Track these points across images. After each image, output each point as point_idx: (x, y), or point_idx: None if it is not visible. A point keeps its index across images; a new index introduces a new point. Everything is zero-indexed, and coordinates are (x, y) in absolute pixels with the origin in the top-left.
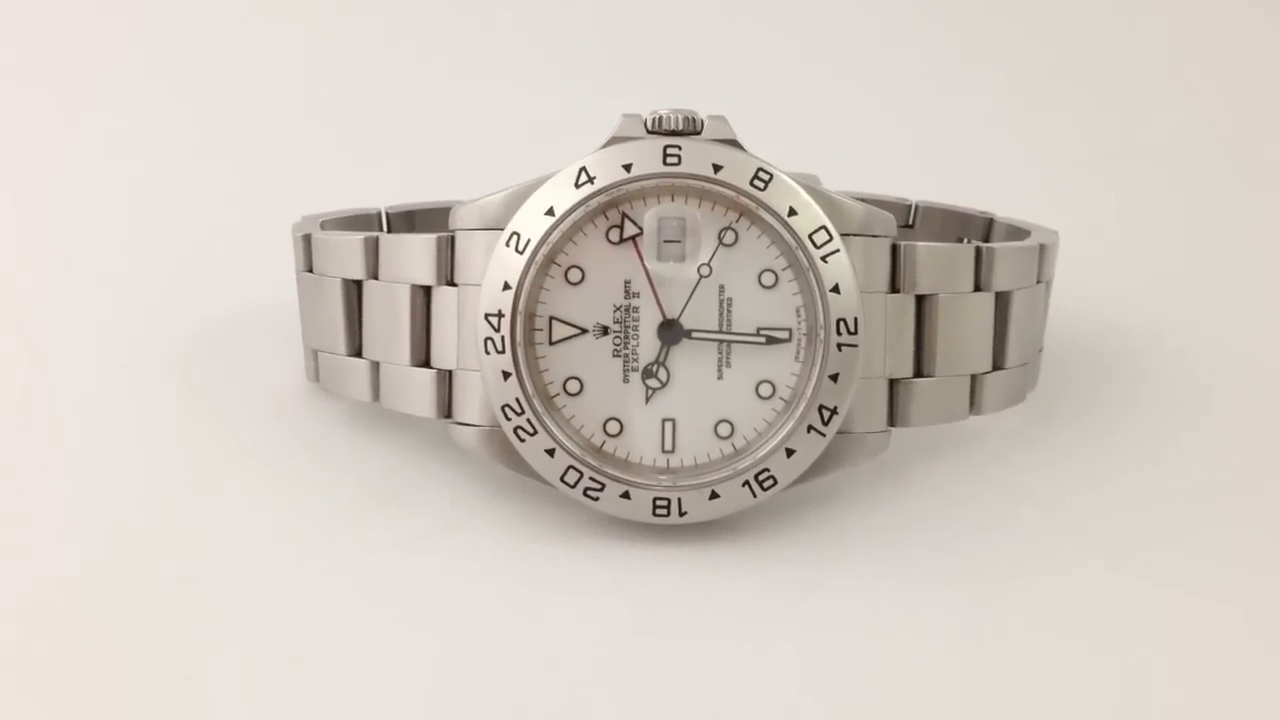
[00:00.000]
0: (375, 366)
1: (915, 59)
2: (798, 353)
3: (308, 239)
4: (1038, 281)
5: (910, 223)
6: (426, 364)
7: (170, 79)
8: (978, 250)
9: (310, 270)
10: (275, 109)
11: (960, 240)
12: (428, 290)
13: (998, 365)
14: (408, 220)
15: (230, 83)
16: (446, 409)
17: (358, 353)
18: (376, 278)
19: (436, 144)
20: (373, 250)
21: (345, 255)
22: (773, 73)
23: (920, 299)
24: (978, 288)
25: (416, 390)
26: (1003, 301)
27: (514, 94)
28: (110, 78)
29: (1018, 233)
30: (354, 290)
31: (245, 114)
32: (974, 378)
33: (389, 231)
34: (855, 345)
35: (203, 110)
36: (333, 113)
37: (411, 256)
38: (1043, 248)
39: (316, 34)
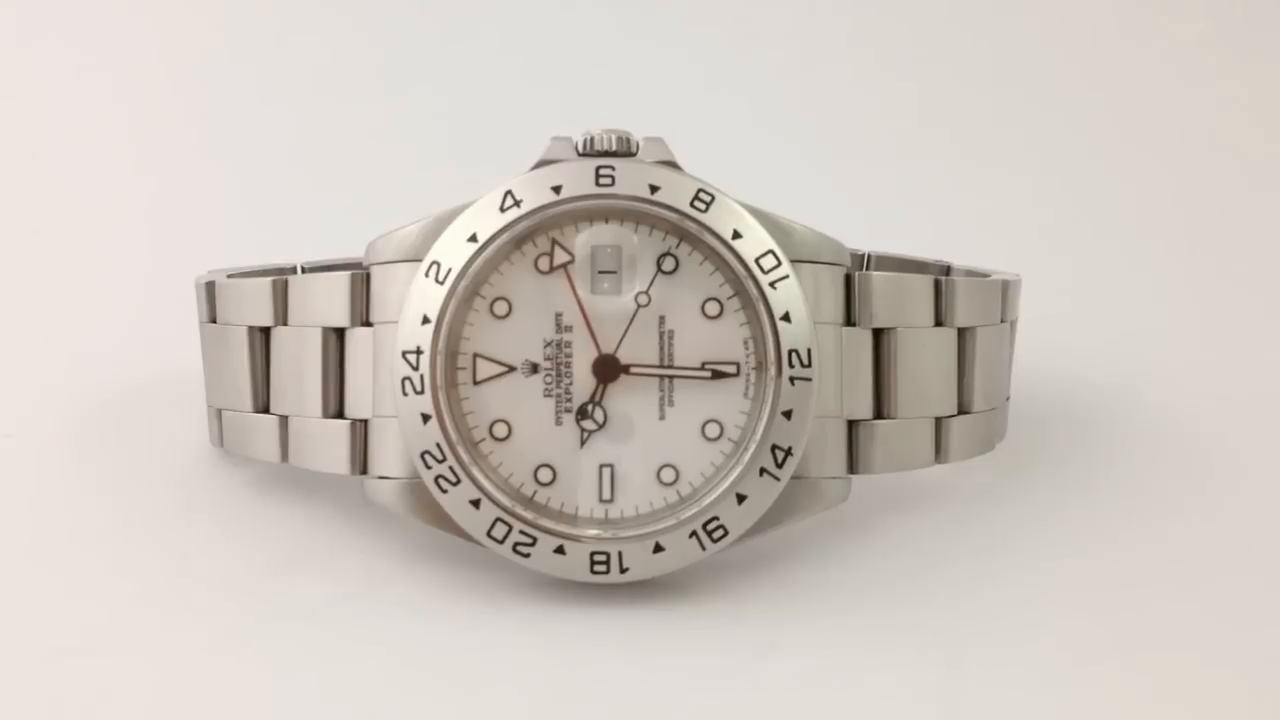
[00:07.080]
0: (284, 422)
1: (869, 111)
2: (747, 388)
3: (211, 286)
4: (1002, 320)
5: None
6: (340, 414)
7: (75, 130)
8: (936, 283)
9: (214, 320)
10: (188, 165)
11: None
12: (341, 333)
13: (963, 409)
14: None
15: (141, 138)
16: (362, 463)
17: (265, 408)
18: (286, 323)
19: (364, 201)
20: (281, 293)
21: (252, 300)
22: (710, 120)
23: (878, 334)
24: (938, 322)
25: (329, 444)
26: (965, 339)
27: (447, 151)
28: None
29: (978, 276)
30: (261, 339)
31: (153, 169)
32: (938, 421)
33: None
34: (809, 379)
35: (105, 168)
36: (248, 171)
37: (323, 296)
38: (1006, 284)
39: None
